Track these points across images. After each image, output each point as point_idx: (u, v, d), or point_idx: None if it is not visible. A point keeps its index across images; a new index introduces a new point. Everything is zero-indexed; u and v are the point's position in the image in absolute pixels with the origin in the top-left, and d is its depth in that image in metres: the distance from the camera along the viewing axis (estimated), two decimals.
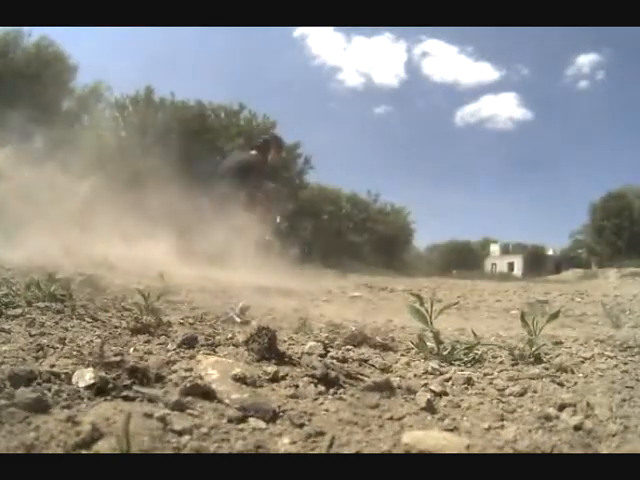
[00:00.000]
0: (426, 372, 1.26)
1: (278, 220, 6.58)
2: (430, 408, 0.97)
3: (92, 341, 1.29)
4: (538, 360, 1.43)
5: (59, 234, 4.16)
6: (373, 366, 1.31)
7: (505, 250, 43.24)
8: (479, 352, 1.46)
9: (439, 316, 1.49)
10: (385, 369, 1.30)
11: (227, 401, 0.89)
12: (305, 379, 1.07)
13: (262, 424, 0.82)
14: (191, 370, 1.06)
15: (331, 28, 46.11)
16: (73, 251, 3.91)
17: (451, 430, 0.88)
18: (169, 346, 1.31)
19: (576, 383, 1.21)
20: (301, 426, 0.83)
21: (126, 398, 0.85)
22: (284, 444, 0.76)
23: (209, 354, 1.23)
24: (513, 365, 1.40)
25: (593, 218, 36.90)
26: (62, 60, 23.82)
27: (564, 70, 60.66)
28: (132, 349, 1.25)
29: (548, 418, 0.93)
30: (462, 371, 1.27)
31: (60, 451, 0.65)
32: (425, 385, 1.12)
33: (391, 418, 0.91)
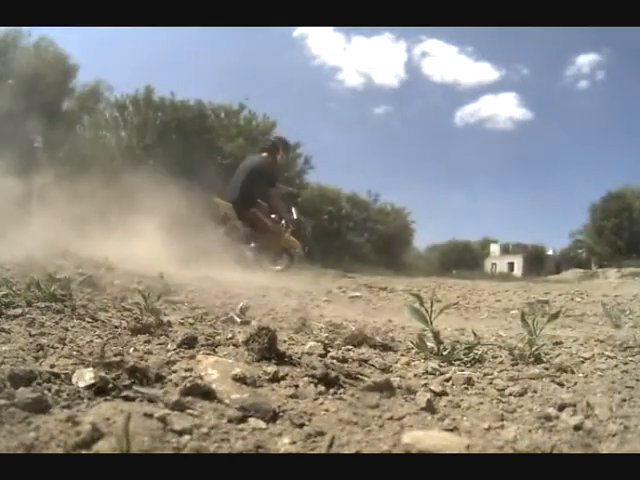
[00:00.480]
0: (426, 372, 1.26)
1: (295, 215, 6.94)
2: (430, 408, 0.97)
3: (92, 341, 1.29)
4: (538, 360, 1.43)
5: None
6: (373, 366, 1.31)
7: (505, 250, 43.23)
8: (479, 352, 1.46)
9: (439, 316, 1.49)
10: (385, 369, 1.30)
11: (227, 401, 0.89)
12: (305, 379, 1.07)
13: (262, 424, 0.82)
14: (191, 370, 1.06)
15: (331, 28, 46.06)
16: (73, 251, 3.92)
17: (451, 430, 0.88)
18: (169, 346, 1.31)
19: (576, 383, 1.21)
20: (301, 426, 0.83)
21: (126, 398, 0.85)
22: (284, 444, 0.76)
23: (209, 354, 1.23)
24: (513, 365, 1.40)
25: (593, 218, 36.89)
26: (62, 60, 23.80)
27: (564, 70, 60.59)
28: (132, 349, 1.25)
29: (548, 418, 0.93)
30: (462, 371, 1.27)
31: (60, 451, 0.65)
32: (425, 385, 1.12)
33: (391, 418, 0.91)
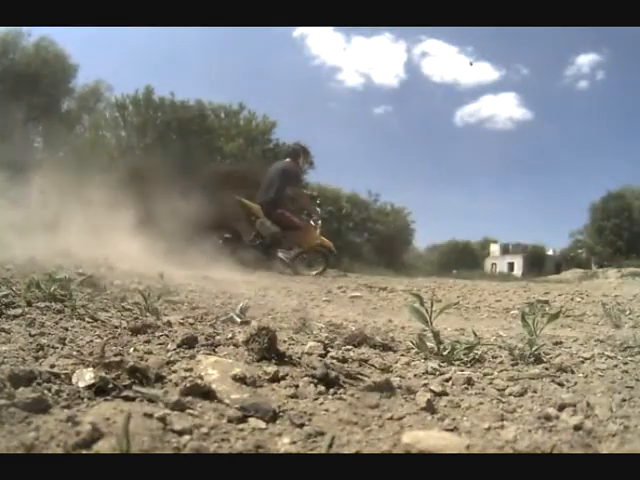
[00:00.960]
0: (426, 372, 1.26)
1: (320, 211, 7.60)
2: (430, 408, 0.97)
3: (92, 341, 1.29)
4: (538, 360, 1.43)
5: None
6: (373, 366, 1.31)
7: (505, 250, 43.23)
8: (479, 352, 1.46)
9: (439, 316, 1.49)
10: (385, 369, 1.29)
11: (227, 401, 0.89)
12: (305, 379, 1.07)
13: (262, 424, 0.82)
14: (191, 370, 1.06)
15: (331, 28, 46.06)
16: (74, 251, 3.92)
17: (451, 430, 0.88)
18: (169, 346, 1.31)
19: (576, 383, 1.21)
20: (301, 426, 0.83)
21: (126, 398, 0.85)
22: (284, 444, 0.76)
23: (209, 354, 1.23)
24: (513, 365, 1.40)
25: (593, 218, 36.92)
26: (62, 60, 23.81)
27: (564, 70, 60.60)
28: (132, 349, 1.25)
29: (548, 418, 0.93)
30: (462, 371, 1.27)
31: (60, 451, 0.65)
32: (425, 385, 1.12)
33: (391, 418, 0.91)
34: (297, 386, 1.04)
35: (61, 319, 1.52)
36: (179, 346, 1.30)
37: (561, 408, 0.99)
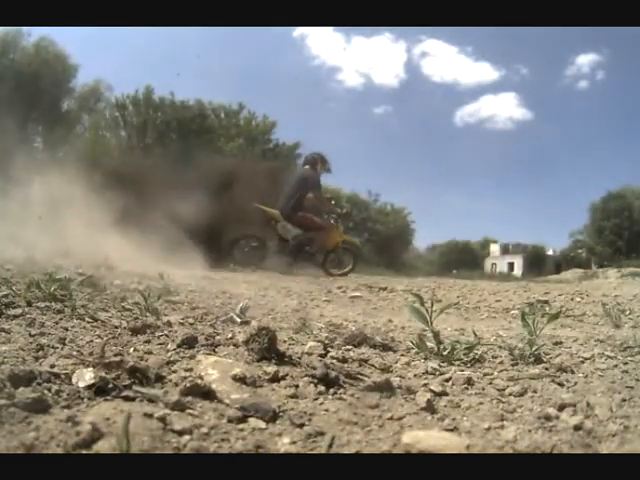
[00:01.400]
0: (426, 372, 1.26)
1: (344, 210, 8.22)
2: (430, 408, 0.97)
3: (92, 341, 1.29)
4: (538, 360, 1.43)
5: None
6: (373, 366, 1.31)
7: (505, 250, 43.23)
8: (479, 352, 1.46)
9: (439, 316, 1.49)
10: (385, 369, 1.29)
11: (227, 401, 0.89)
12: (305, 379, 1.07)
13: (262, 424, 0.82)
14: (191, 370, 1.06)
15: (331, 28, 46.03)
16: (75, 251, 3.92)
17: (451, 430, 0.88)
18: (169, 346, 1.31)
19: (576, 383, 1.21)
20: (301, 426, 0.83)
21: (126, 398, 0.85)
22: (284, 444, 0.76)
23: (209, 354, 1.23)
24: (513, 365, 1.40)
25: (593, 218, 36.94)
26: (62, 60, 23.81)
27: (564, 70, 60.58)
28: (132, 349, 1.25)
29: (548, 418, 0.93)
30: (462, 371, 1.27)
31: (60, 451, 0.65)
32: (425, 385, 1.12)
33: (391, 418, 0.91)
34: (297, 386, 1.04)
35: (61, 319, 1.52)
36: (179, 346, 1.30)
37: (561, 408, 0.99)
